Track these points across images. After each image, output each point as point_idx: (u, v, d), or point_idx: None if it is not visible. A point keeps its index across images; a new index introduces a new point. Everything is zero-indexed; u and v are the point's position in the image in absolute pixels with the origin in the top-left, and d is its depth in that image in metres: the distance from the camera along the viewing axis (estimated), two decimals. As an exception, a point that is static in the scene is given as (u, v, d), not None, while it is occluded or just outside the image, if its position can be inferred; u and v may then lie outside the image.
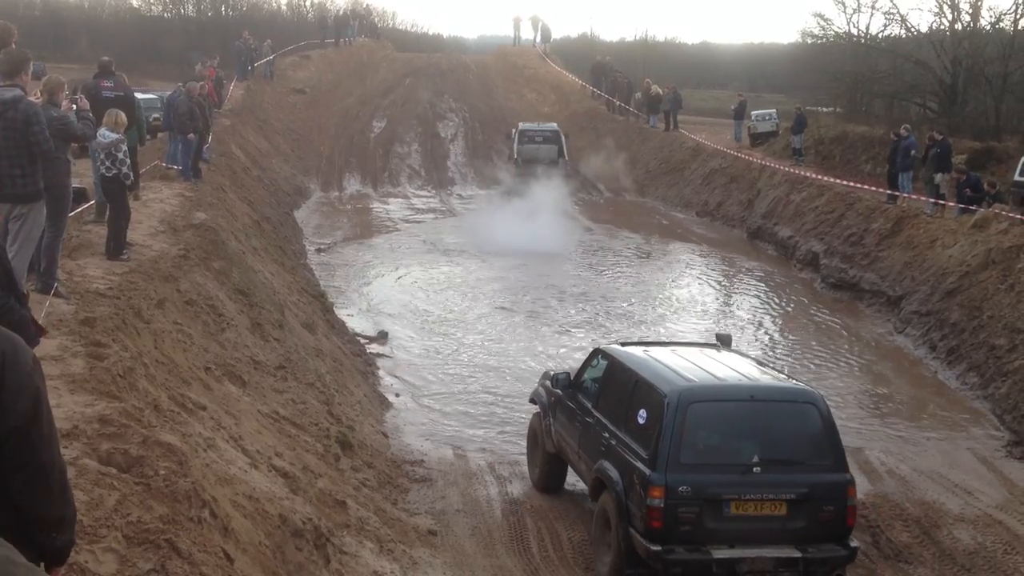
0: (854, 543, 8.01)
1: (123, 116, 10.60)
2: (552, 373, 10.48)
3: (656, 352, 9.12)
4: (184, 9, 57.89)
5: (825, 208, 22.61)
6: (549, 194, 26.25)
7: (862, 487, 10.63)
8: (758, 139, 32.13)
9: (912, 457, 11.93)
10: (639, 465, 7.83)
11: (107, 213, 10.71)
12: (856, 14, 40.37)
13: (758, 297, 20.40)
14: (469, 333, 16.76)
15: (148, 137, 18.39)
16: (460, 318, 17.65)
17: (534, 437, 10.72)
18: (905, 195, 20.71)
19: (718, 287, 21.44)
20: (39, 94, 8.38)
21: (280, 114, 33.97)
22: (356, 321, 16.78)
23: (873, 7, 40.03)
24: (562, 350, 15.56)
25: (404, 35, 62.65)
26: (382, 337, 16.00)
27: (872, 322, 18.19)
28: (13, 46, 7.63)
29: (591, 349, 10.49)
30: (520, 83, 43.25)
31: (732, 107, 34.33)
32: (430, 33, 69.00)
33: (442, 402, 13.37)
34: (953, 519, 10.16)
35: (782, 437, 8.06)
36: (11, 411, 2.49)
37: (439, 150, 35.34)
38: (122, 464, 4.93)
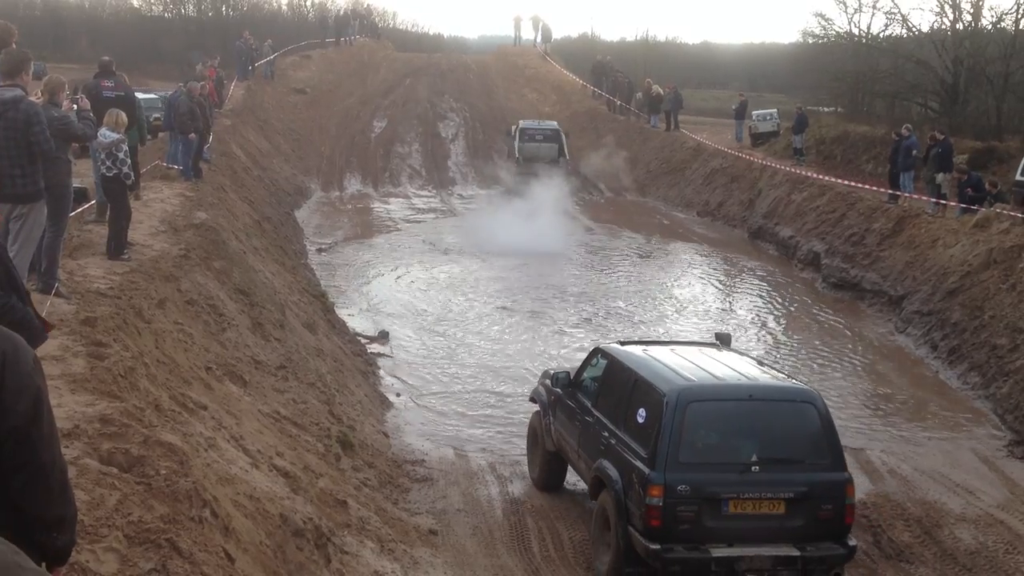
0: (852, 542, 8.03)
1: (124, 116, 10.60)
2: (552, 372, 10.52)
3: (655, 351, 9.13)
4: (185, 9, 57.92)
5: (826, 208, 22.60)
6: (550, 194, 26.24)
7: (863, 487, 10.63)
8: (759, 139, 32.13)
9: (913, 457, 11.92)
10: (638, 464, 7.85)
11: (108, 213, 10.71)
12: (857, 14, 40.32)
13: (759, 297, 20.39)
14: (470, 333, 16.76)
15: (149, 137, 18.41)
16: (461, 318, 17.64)
17: (534, 436, 10.74)
18: (906, 195, 20.70)
19: (719, 287, 21.43)
20: (40, 94, 8.38)
21: (281, 114, 33.98)
22: (357, 321, 16.78)
23: (874, 7, 40.07)
24: (563, 350, 15.56)
25: (405, 35, 62.68)
26: (383, 337, 16.00)
27: (873, 322, 18.18)
28: (14, 46, 7.63)
29: (591, 348, 10.49)
30: (521, 83, 43.26)
31: (733, 107, 34.31)
32: (431, 33, 69.08)
33: (443, 402, 13.36)
34: (955, 519, 10.15)
35: (781, 436, 8.09)
36: (11, 411, 2.48)
37: (440, 150, 35.34)
38: (123, 464, 4.93)
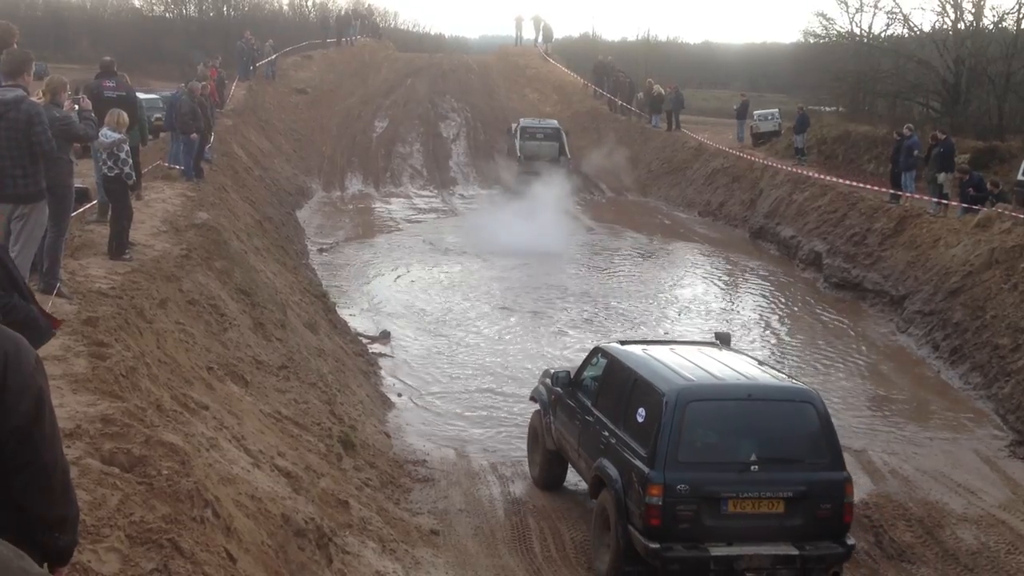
0: (851, 541, 8.07)
1: (125, 116, 10.61)
2: (552, 371, 10.55)
3: (655, 351, 9.15)
4: (186, 9, 57.92)
5: (828, 208, 22.58)
6: (551, 193, 26.25)
7: (865, 487, 10.64)
8: (760, 139, 32.12)
9: (915, 457, 11.91)
10: (638, 463, 7.88)
11: (109, 213, 10.71)
12: (858, 13, 40.35)
13: (760, 297, 20.39)
14: (471, 333, 16.75)
15: (150, 137, 18.40)
16: (462, 318, 17.64)
17: (534, 435, 10.76)
18: (908, 195, 20.68)
19: (721, 287, 21.43)
20: (41, 94, 8.38)
21: (282, 114, 33.98)
22: (358, 321, 16.78)
23: (876, 6, 40.22)
24: (564, 350, 15.56)
25: (406, 35, 62.68)
26: (384, 337, 16.00)
27: (875, 322, 18.17)
28: (15, 46, 7.63)
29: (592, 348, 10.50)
30: (522, 83, 43.24)
31: (734, 107, 34.31)
32: (432, 33, 69.08)
33: (444, 402, 13.36)
34: (956, 519, 10.15)
35: (780, 436, 8.12)
36: (13, 411, 2.48)
37: (441, 150, 35.34)
38: (125, 464, 4.93)
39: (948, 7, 31.79)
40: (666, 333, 16.79)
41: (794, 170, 25.84)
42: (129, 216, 10.48)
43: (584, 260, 22.90)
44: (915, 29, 34.26)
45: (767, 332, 17.72)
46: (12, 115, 7.16)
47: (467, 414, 12.96)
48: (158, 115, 21.70)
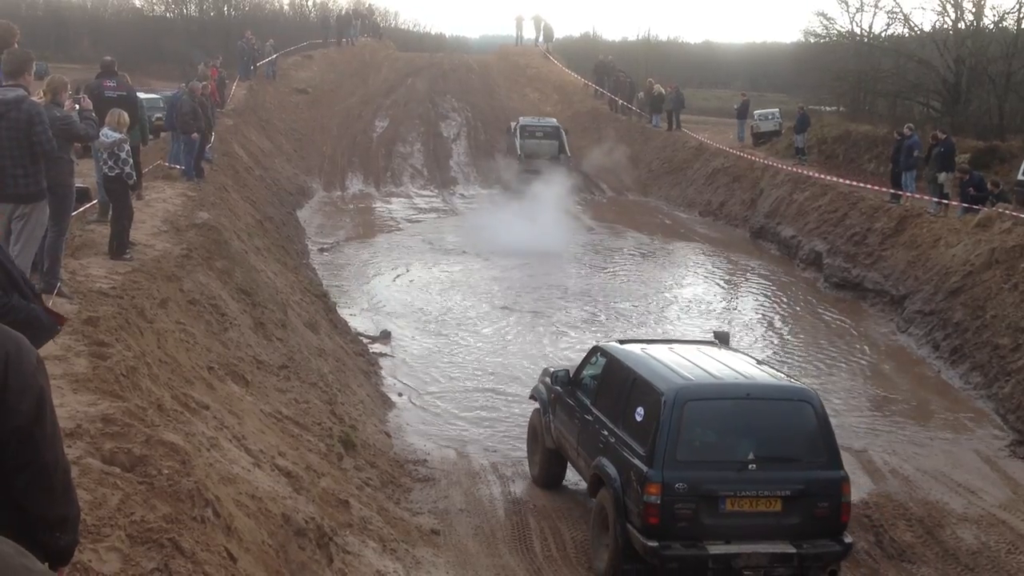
0: (848, 539, 8.12)
1: (126, 116, 10.61)
2: (552, 370, 10.58)
3: (654, 350, 9.17)
4: (186, 9, 57.94)
5: (828, 207, 22.58)
6: (551, 192, 26.26)
7: (866, 487, 10.64)
8: (761, 138, 32.11)
9: (915, 457, 11.91)
10: (636, 462, 7.91)
11: (110, 213, 10.71)
12: (859, 13, 40.28)
13: (761, 297, 20.39)
14: (471, 333, 16.76)
15: (151, 137, 18.39)
16: (463, 318, 17.64)
17: (534, 433, 10.79)
18: (908, 194, 20.68)
19: (721, 287, 21.43)
20: (42, 94, 8.38)
21: (282, 114, 33.98)
22: (359, 321, 16.78)
23: (876, 6, 40.11)
24: (565, 351, 15.56)
25: (406, 35, 62.71)
26: (385, 337, 16.00)
27: (875, 321, 18.17)
28: (16, 46, 7.64)
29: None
30: (522, 83, 43.23)
31: (735, 106, 34.30)
32: (432, 33, 69.14)
33: (445, 402, 13.37)
34: (956, 519, 10.15)
35: (777, 435, 8.16)
36: (14, 411, 2.48)
37: (442, 150, 35.34)
38: (125, 463, 4.93)
39: (948, 7, 31.80)
40: (663, 332, 16.79)
41: (794, 170, 25.84)
42: (130, 216, 10.48)
43: (585, 260, 22.90)
44: (915, 29, 34.28)
45: (768, 332, 17.71)
46: (13, 115, 7.17)
47: (467, 414, 12.96)
48: (159, 115, 21.70)
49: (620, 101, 37.49)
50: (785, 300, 20.02)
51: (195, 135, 16.62)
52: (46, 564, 2.64)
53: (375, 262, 21.71)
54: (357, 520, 7.72)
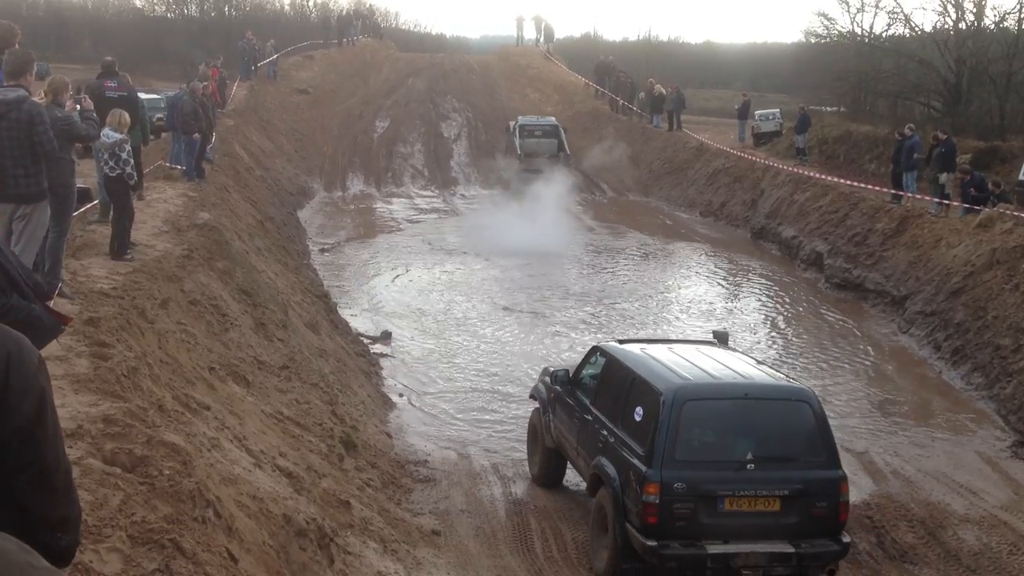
0: (846, 538, 8.15)
1: (127, 116, 10.61)
2: (551, 369, 10.61)
3: (653, 350, 9.19)
4: (187, 9, 57.98)
5: (829, 208, 22.57)
6: (552, 192, 26.26)
7: (867, 488, 10.64)
8: (762, 139, 32.10)
9: (917, 458, 11.90)
10: (635, 462, 7.93)
11: (111, 213, 10.71)
12: (860, 13, 40.18)
13: (762, 297, 20.38)
14: (472, 333, 16.75)
15: (152, 137, 18.39)
16: (463, 318, 17.64)
17: (534, 432, 10.81)
18: (909, 195, 20.67)
19: (722, 287, 21.42)
20: (43, 94, 8.38)
21: (283, 114, 33.98)
22: (359, 321, 16.77)
23: (877, 6, 40.14)
24: (565, 352, 15.55)
25: (407, 35, 62.74)
26: (385, 337, 16.00)
27: (876, 322, 18.15)
28: (17, 46, 7.63)
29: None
30: (523, 83, 43.23)
31: (736, 107, 34.31)
32: (433, 33, 69.18)
33: (446, 402, 13.36)
34: (958, 520, 10.14)
35: (776, 434, 8.18)
36: (16, 411, 2.48)
37: (442, 150, 35.34)
38: (126, 464, 4.93)
39: (949, 7, 31.79)
40: (664, 333, 16.77)
41: (795, 170, 25.83)
42: (131, 216, 10.48)
43: (585, 260, 22.90)
44: (916, 29, 34.25)
45: (770, 333, 17.71)
46: (14, 115, 7.17)
47: (468, 414, 12.96)
48: (160, 115, 21.69)
49: (621, 101, 37.49)
50: (786, 301, 20.01)
51: (196, 135, 16.61)
52: (47, 565, 2.64)
53: (376, 263, 21.70)
54: (358, 521, 7.72)
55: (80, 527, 2.79)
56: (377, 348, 15.40)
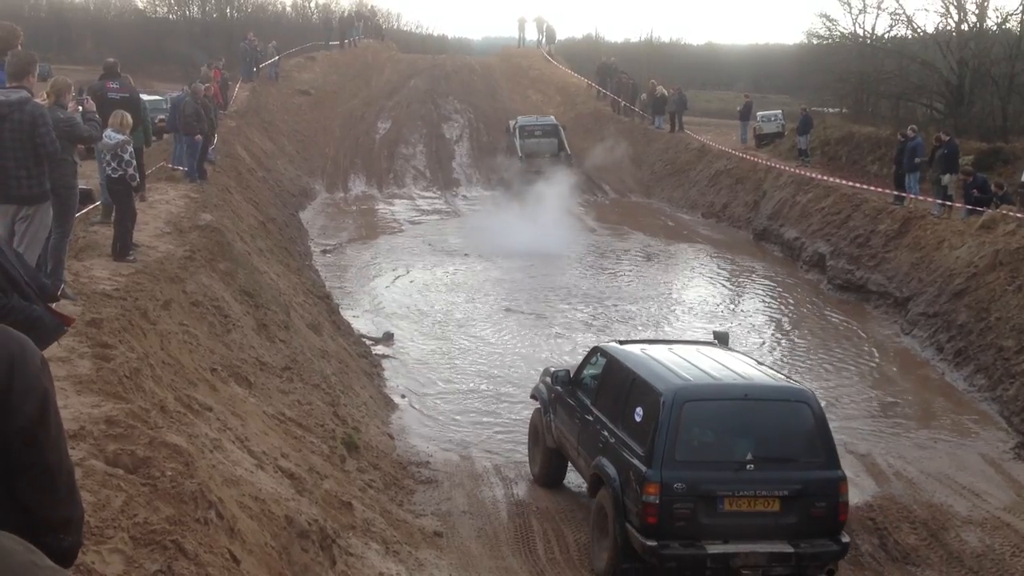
0: (846, 538, 8.17)
1: (129, 117, 10.61)
2: (552, 370, 10.62)
3: (653, 350, 9.22)
4: (189, 11, 58.08)
5: (831, 209, 22.55)
6: (553, 193, 26.26)
7: (870, 489, 10.62)
8: (764, 140, 32.08)
9: (920, 459, 11.88)
10: (635, 462, 7.95)
11: (113, 214, 10.71)
12: (862, 15, 40.41)
13: (764, 299, 20.37)
14: (474, 334, 16.75)
15: (154, 138, 18.40)
16: (465, 319, 17.64)
17: (535, 432, 10.82)
18: (912, 196, 20.65)
19: (724, 289, 21.40)
20: (46, 96, 8.38)
21: (285, 115, 34.00)
22: (361, 322, 16.77)
23: (879, 8, 40.08)
24: (567, 354, 15.55)
25: (409, 36, 62.80)
26: (388, 338, 16.00)
27: (879, 323, 18.13)
28: (19, 48, 7.63)
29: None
30: (525, 84, 43.23)
31: (737, 108, 34.29)
32: (435, 34, 69.26)
33: (447, 403, 13.36)
34: (961, 521, 10.12)
35: (775, 435, 8.21)
36: (19, 412, 2.47)
37: (444, 151, 35.35)
38: (129, 465, 4.92)
39: (952, 8, 31.80)
40: (666, 335, 16.76)
41: (797, 171, 25.81)
42: (133, 217, 10.49)
43: (587, 261, 22.89)
44: (918, 30, 34.29)
45: (773, 334, 17.68)
46: (16, 116, 7.17)
47: (470, 416, 12.96)
48: (161, 116, 21.71)
49: (623, 103, 37.48)
50: (788, 302, 20.00)
51: (198, 137, 16.62)
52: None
53: (377, 264, 21.71)
54: (360, 522, 7.71)
55: (83, 528, 2.79)
56: (379, 349, 15.40)
